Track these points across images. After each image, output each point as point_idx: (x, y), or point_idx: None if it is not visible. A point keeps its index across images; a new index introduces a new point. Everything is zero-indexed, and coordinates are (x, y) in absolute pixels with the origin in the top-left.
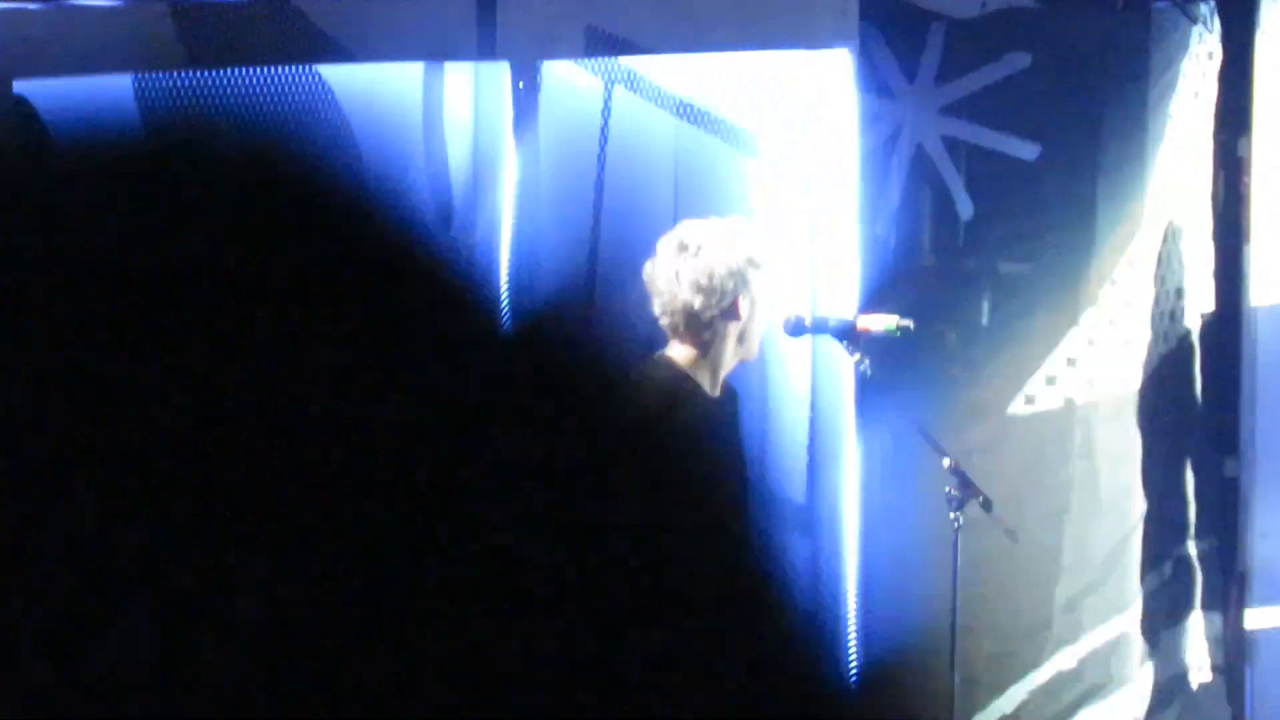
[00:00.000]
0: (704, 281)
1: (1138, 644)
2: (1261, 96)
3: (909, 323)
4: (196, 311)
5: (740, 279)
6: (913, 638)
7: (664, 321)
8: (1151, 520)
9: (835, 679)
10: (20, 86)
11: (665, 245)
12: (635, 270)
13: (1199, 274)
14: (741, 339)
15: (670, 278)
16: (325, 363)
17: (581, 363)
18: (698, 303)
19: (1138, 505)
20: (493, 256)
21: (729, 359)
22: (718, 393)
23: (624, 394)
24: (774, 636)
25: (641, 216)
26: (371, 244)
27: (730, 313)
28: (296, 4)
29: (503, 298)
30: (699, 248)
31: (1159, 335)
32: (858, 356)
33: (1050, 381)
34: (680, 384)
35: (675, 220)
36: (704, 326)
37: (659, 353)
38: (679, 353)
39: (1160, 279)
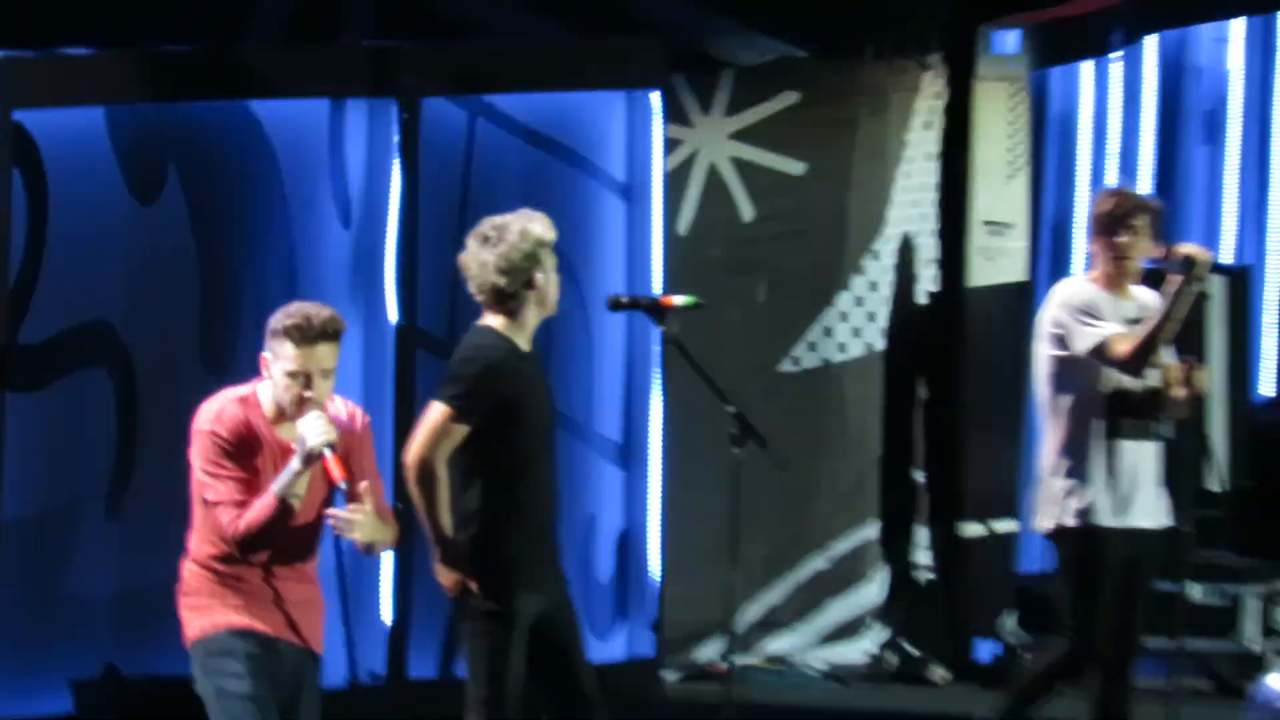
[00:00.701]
0: (504, 265)
1: (877, 550)
2: (976, 125)
3: (702, 300)
4: None
5: (534, 259)
6: (704, 544)
7: (478, 298)
8: (888, 454)
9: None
10: (19, 115)
11: (473, 238)
12: None
13: (927, 263)
14: (541, 302)
15: (480, 264)
16: None
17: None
18: (502, 282)
19: (878, 442)
20: (382, 250)
21: (533, 320)
22: (529, 347)
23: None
24: None
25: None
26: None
27: (529, 285)
28: (232, 52)
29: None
30: (499, 238)
31: (896, 311)
32: (663, 326)
33: (811, 347)
34: (500, 343)
35: None
36: (509, 298)
37: (478, 322)
38: (494, 321)
39: (897, 267)
